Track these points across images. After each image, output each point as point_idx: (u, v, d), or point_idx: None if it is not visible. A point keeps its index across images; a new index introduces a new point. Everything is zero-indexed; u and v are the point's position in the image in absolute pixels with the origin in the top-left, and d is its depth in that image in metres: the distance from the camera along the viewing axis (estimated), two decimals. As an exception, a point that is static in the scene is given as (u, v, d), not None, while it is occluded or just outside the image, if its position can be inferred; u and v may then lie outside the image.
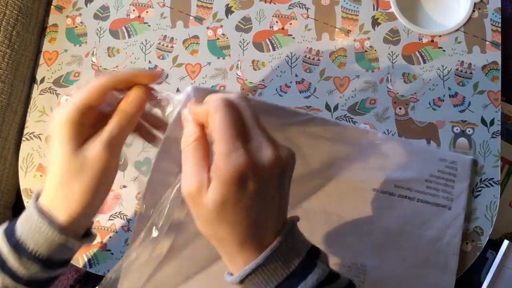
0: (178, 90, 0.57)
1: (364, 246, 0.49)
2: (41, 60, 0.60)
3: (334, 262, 0.48)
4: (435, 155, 0.52)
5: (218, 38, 0.59)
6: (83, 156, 0.34)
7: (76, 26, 0.61)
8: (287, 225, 0.33)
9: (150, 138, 0.42)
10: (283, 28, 0.59)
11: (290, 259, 0.32)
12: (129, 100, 0.36)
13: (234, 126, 0.31)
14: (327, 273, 0.32)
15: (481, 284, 0.51)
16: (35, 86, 0.59)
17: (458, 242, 0.50)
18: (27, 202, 0.55)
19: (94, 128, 0.36)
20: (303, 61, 0.58)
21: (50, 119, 0.50)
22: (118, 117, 0.36)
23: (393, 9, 0.59)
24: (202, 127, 0.34)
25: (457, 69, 0.57)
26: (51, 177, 0.35)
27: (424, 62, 0.57)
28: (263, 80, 0.57)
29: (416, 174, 0.51)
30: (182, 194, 0.32)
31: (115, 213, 0.54)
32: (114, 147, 0.35)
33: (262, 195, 0.31)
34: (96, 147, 0.34)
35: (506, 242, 0.51)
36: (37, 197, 0.36)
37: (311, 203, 0.49)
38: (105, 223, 0.53)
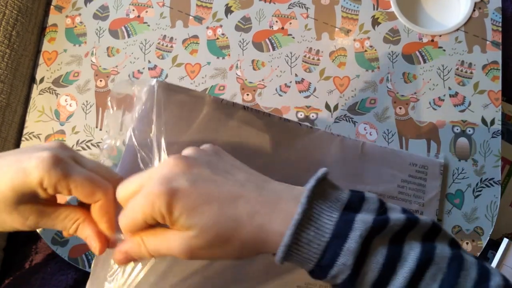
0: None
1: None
2: (41, 60, 0.60)
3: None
4: (406, 160, 0.51)
5: (217, 38, 0.59)
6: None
7: (75, 26, 0.61)
8: (302, 193, 0.30)
9: None
10: (283, 28, 0.59)
11: (321, 229, 0.29)
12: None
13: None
14: (370, 224, 0.29)
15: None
16: (35, 86, 0.59)
17: None
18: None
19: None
20: (303, 61, 0.58)
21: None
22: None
23: (393, 8, 0.59)
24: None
25: (457, 69, 0.57)
26: None
27: (424, 62, 0.57)
28: (262, 79, 0.57)
29: (388, 180, 0.50)
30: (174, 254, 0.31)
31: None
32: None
33: (203, 178, 0.31)
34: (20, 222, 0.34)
35: (505, 240, 0.51)
36: None
37: None
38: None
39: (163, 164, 0.32)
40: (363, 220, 0.29)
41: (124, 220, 0.32)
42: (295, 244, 0.29)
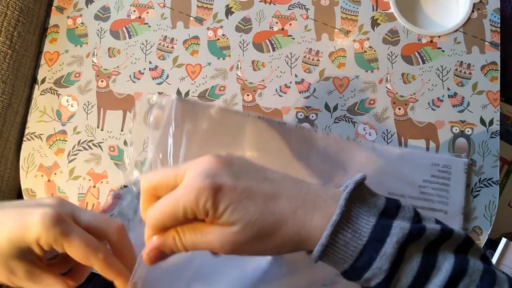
0: (178, 92, 0.57)
1: None
2: (42, 61, 0.60)
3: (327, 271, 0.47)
4: (427, 160, 0.51)
5: (218, 39, 0.59)
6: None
7: (77, 27, 0.61)
8: (341, 194, 0.31)
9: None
10: (283, 29, 0.59)
11: (358, 232, 0.30)
12: None
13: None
14: (407, 231, 0.29)
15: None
16: (36, 86, 0.59)
17: None
18: (28, 202, 0.55)
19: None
20: (302, 62, 0.58)
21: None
22: None
23: (393, 9, 0.59)
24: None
25: (456, 70, 0.57)
26: None
27: (423, 63, 0.57)
28: (263, 80, 0.58)
29: (409, 181, 0.50)
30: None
31: (115, 213, 0.54)
32: None
33: (245, 174, 0.31)
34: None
35: (503, 240, 0.52)
36: None
37: None
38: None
39: (201, 161, 0.32)
40: (400, 226, 0.30)
41: (161, 214, 0.31)
42: (332, 244, 0.30)
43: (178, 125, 0.44)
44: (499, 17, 0.59)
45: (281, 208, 0.30)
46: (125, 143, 0.55)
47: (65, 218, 0.34)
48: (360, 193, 0.31)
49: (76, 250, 0.33)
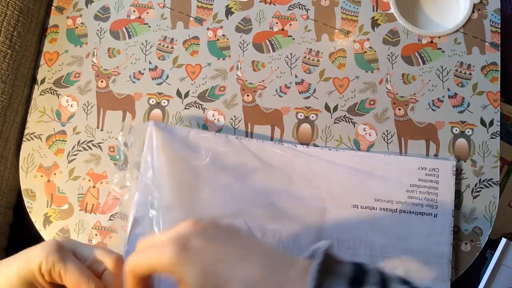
0: (178, 92, 0.57)
1: (348, 259, 0.48)
2: (42, 61, 0.60)
3: None
4: (413, 164, 0.51)
5: (218, 39, 0.59)
6: None
7: (76, 27, 0.61)
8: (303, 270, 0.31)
9: None
10: (283, 29, 0.59)
11: None
12: None
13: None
14: None
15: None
16: (36, 86, 0.59)
17: (449, 250, 0.49)
18: (28, 202, 0.55)
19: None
20: (302, 62, 0.58)
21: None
22: None
23: (393, 10, 0.59)
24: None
25: (456, 70, 0.57)
26: None
27: (424, 63, 0.57)
28: (263, 80, 0.58)
29: (395, 186, 0.50)
30: None
31: (115, 213, 0.54)
32: None
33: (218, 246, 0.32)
34: None
35: (503, 240, 0.52)
36: None
37: (295, 222, 0.49)
38: (105, 223, 0.54)
39: (179, 225, 0.34)
40: None
41: (132, 265, 0.33)
42: None
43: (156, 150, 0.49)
44: (499, 17, 0.59)
45: (249, 275, 0.31)
46: (125, 144, 0.55)
47: (64, 247, 0.37)
48: (327, 264, 0.31)
49: (71, 277, 0.36)
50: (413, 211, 0.50)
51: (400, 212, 0.50)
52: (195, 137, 0.52)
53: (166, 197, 0.48)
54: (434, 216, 0.50)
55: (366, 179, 0.51)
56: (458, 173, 0.54)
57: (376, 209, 0.50)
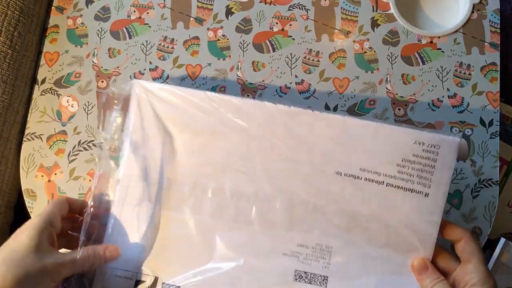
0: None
1: (328, 227, 0.46)
2: (42, 61, 0.60)
3: (297, 243, 0.46)
4: (408, 138, 0.46)
5: (218, 39, 0.60)
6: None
7: (77, 27, 0.61)
8: None
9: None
10: (283, 29, 0.60)
11: None
12: None
13: None
14: None
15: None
16: (36, 86, 0.59)
17: (435, 230, 0.45)
18: (29, 202, 0.55)
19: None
20: (302, 62, 0.58)
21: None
22: None
23: (393, 10, 0.59)
24: None
25: (456, 70, 0.57)
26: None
27: (423, 63, 0.58)
28: (263, 81, 0.58)
29: (384, 158, 0.46)
30: None
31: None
32: None
33: None
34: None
35: (502, 240, 0.52)
36: None
37: (271, 185, 0.47)
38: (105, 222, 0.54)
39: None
40: None
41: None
42: None
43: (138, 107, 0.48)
44: (499, 17, 0.59)
45: None
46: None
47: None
48: None
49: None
50: (401, 186, 0.46)
51: (387, 185, 0.46)
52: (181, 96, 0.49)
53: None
54: (425, 195, 0.46)
55: (353, 147, 0.47)
56: (458, 173, 0.54)
57: (361, 179, 0.46)
